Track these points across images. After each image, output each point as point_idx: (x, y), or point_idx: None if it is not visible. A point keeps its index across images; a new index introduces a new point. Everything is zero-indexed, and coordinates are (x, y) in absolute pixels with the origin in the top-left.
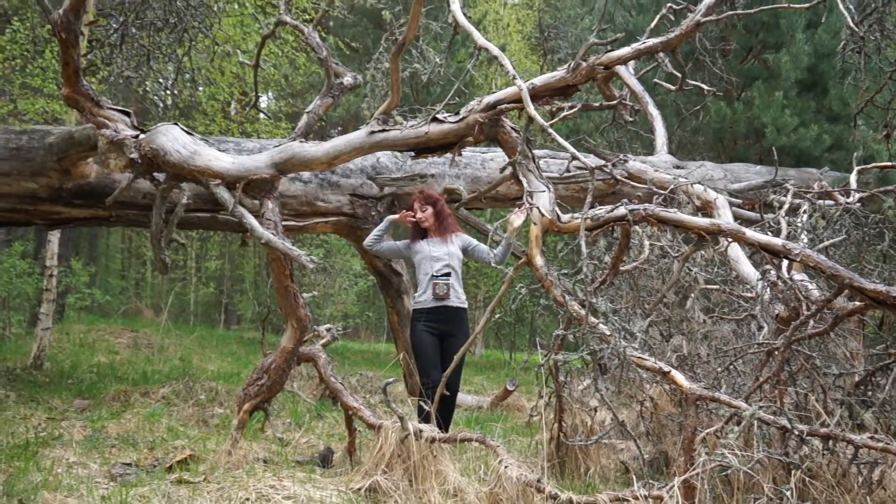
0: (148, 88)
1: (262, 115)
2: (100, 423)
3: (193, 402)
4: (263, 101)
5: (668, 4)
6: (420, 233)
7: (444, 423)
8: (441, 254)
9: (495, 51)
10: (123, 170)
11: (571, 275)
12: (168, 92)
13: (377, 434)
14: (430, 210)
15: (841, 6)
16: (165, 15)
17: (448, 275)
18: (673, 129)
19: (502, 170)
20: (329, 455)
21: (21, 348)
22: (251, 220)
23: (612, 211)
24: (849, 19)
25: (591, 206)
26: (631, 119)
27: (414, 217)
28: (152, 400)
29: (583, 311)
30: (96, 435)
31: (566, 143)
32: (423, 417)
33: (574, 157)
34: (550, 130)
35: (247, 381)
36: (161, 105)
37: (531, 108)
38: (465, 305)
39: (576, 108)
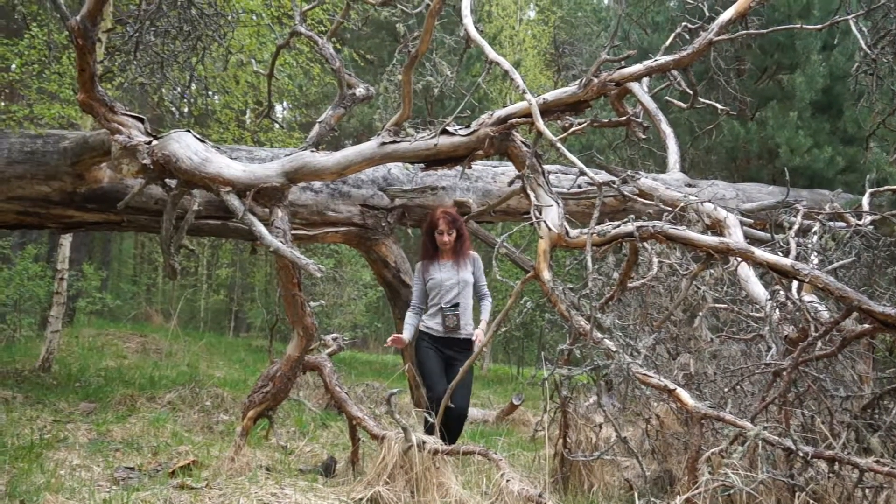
0: (163, 95)
1: (275, 125)
2: (105, 427)
3: (199, 408)
4: (278, 111)
5: (684, 23)
6: (433, 251)
7: (450, 440)
8: (452, 283)
9: (506, 65)
10: (136, 175)
11: (578, 289)
12: (183, 99)
13: (380, 444)
14: (453, 235)
15: (854, 28)
16: (180, 23)
17: (457, 305)
18: (686, 147)
19: (510, 183)
20: (332, 464)
21: (30, 350)
22: (260, 228)
23: (619, 227)
24: (862, 42)
25: (601, 223)
26: (643, 136)
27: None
28: (158, 405)
29: (588, 327)
30: (101, 438)
31: (575, 159)
32: (429, 430)
33: (582, 173)
34: (559, 145)
35: (252, 388)
36: (176, 112)
37: (540, 123)
38: (472, 335)
39: (585, 124)
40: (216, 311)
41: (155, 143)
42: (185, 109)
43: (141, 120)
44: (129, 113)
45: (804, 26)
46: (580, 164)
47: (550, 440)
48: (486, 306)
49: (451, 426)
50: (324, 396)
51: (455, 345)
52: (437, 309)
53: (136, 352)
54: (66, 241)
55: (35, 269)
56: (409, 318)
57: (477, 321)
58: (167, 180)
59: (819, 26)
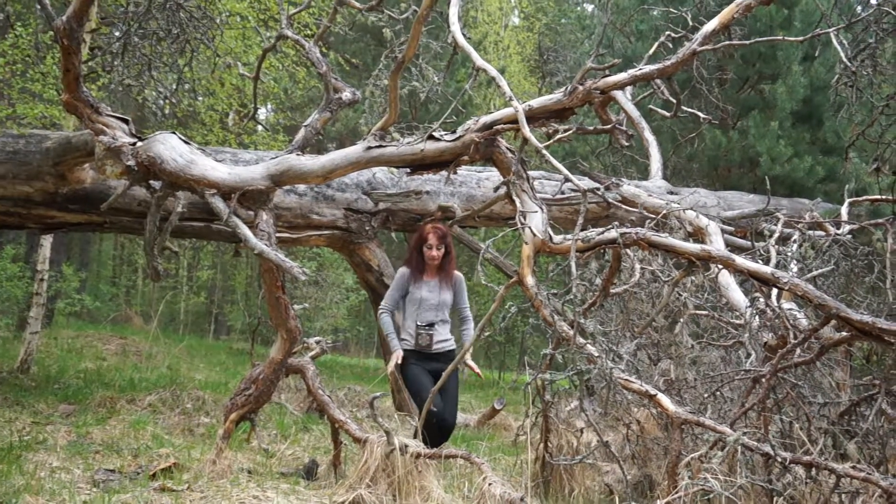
0: (147, 97)
1: (260, 127)
2: (84, 429)
3: (180, 410)
4: (262, 114)
5: (667, 33)
6: (420, 267)
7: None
8: (432, 303)
9: (493, 72)
10: (119, 176)
11: (561, 295)
12: (167, 101)
13: (362, 448)
14: (442, 250)
15: (835, 41)
16: (168, 25)
17: (432, 325)
18: (668, 155)
19: (496, 189)
20: (314, 467)
21: (8, 352)
22: (245, 231)
23: (603, 233)
24: (842, 54)
25: (584, 229)
26: (627, 144)
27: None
28: (138, 407)
29: (571, 332)
30: (80, 440)
31: (559, 165)
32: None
33: (567, 179)
34: (544, 152)
35: (234, 390)
36: (159, 114)
37: (526, 130)
38: (453, 347)
39: (570, 131)
40: (197, 314)
41: (140, 144)
42: (167, 111)
43: (125, 121)
44: (113, 114)
45: (786, 38)
46: (565, 171)
47: (532, 444)
48: (469, 331)
49: (440, 437)
50: (306, 399)
51: (439, 358)
52: (414, 328)
53: (115, 354)
54: (47, 241)
55: (13, 269)
56: (387, 322)
57: (458, 341)
58: (151, 182)
59: (800, 38)
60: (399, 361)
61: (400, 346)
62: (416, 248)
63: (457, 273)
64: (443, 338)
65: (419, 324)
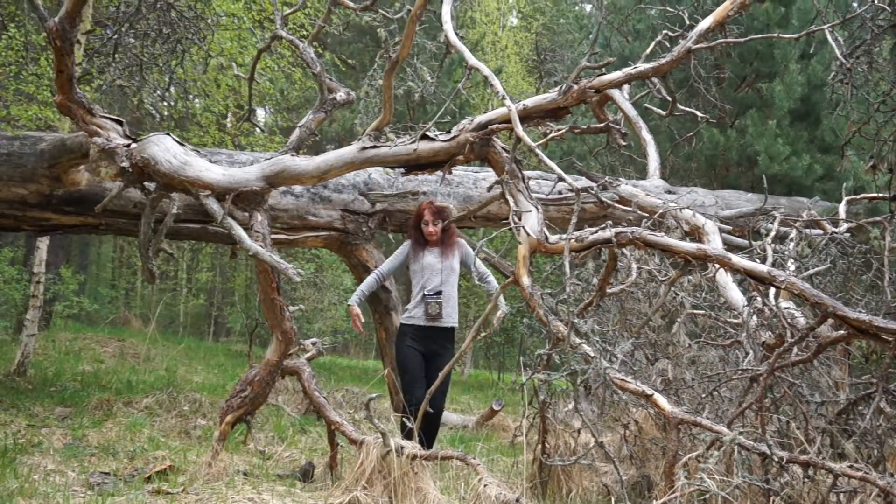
0: (144, 99)
1: (256, 129)
2: (80, 432)
3: (176, 412)
4: (260, 115)
5: (664, 31)
6: (422, 242)
7: (427, 441)
8: (437, 268)
9: (486, 71)
10: (114, 178)
11: (556, 294)
12: (164, 103)
13: (359, 450)
14: (440, 225)
15: (830, 38)
16: (159, 25)
17: (440, 293)
18: (666, 154)
19: (489, 188)
20: (310, 469)
21: (5, 354)
22: (240, 232)
23: (597, 233)
24: (837, 51)
25: (580, 229)
26: (624, 143)
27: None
28: (135, 410)
29: (566, 332)
30: (76, 443)
31: (553, 165)
32: (407, 434)
33: (560, 179)
34: (538, 151)
35: (230, 392)
36: (157, 116)
37: (519, 129)
38: (455, 325)
39: (564, 130)
40: (196, 316)
41: (134, 145)
42: (165, 112)
43: (120, 123)
44: (107, 115)
45: (781, 35)
46: (559, 170)
47: (529, 445)
48: (492, 282)
49: (428, 426)
50: (302, 401)
51: (439, 335)
52: (420, 297)
53: (113, 356)
54: (43, 243)
55: (11, 272)
56: (366, 281)
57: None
58: (146, 183)
59: (796, 36)
60: (357, 313)
61: (357, 298)
62: (415, 225)
63: (460, 240)
64: (449, 310)
65: (427, 292)
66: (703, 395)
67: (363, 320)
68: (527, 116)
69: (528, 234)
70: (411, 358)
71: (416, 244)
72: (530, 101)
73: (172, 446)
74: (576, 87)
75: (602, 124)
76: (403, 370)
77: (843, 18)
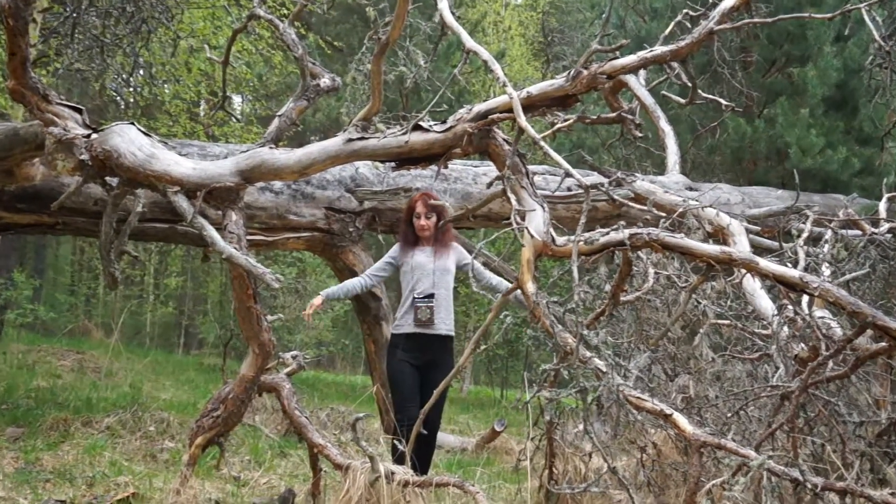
0: (106, 84)
1: (231, 118)
2: (34, 455)
3: (141, 433)
4: (235, 103)
5: (685, 10)
6: (412, 239)
7: (421, 465)
8: (429, 269)
9: (484, 54)
10: (72, 172)
11: (564, 302)
12: (129, 88)
13: (344, 475)
14: (433, 219)
15: (867, 18)
16: (122, 3)
17: (432, 296)
18: (687, 147)
19: (489, 185)
20: (290, 497)
21: None
22: (212, 233)
23: (609, 234)
24: (875, 33)
25: (592, 229)
26: (640, 135)
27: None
28: (95, 430)
29: (574, 344)
30: (29, 468)
31: (560, 158)
32: (398, 458)
33: (568, 174)
34: (542, 143)
35: (201, 411)
36: (121, 103)
37: (522, 119)
38: (452, 333)
39: (572, 120)
40: (164, 326)
41: (94, 136)
42: (130, 99)
43: (79, 110)
44: (65, 102)
45: (814, 15)
46: (566, 165)
47: (534, 471)
48: (497, 279)
49: (421, 448)
50: (282, 421)
51: (433, 345)
52: (410, 301)
53: (71, 370)
54: None
55: None
56: (349, 281)
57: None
58: (108, 178)
59: (829, 15)
60: (318, 303)
61: (334, 292)
62: (407, 219)
63: (454, 244)
64: (443, 316)
65: (416, 295)
66: (729, 415)
67: (320, 312)
68: (531, 105)
69: (533, 236)
70: (404, 372)
71: (406, 241)
72: (535, 89)
73: (136, 471)
74: (586, 72)
75: (615, 114)
76: (395, 386)
77: None
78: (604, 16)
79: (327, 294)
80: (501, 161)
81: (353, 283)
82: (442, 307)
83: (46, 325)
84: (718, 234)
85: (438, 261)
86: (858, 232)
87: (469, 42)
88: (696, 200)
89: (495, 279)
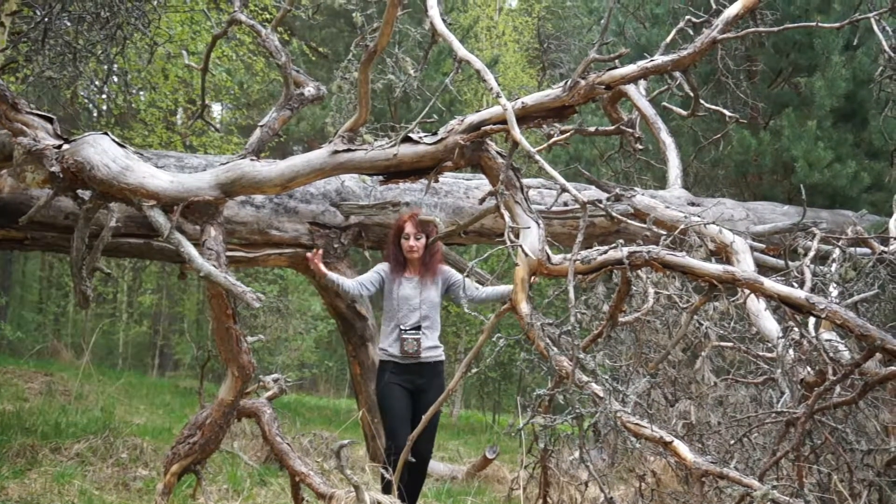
0: (78, 92)
1: (210, 128)
2: None
3: (113, 461)
4: (215, 112)
5: (687, 17)
6: (400, 261)
7: (410, 496)
8: (415, 304)
9: (477, 64)
10: (42, 185)
11: (560, 324)
12: (102, 96)
13: None
14: (423, 240)
15: (875, 27)
16: (97, 7)
17: (418, 328)
18: (689, 160)
19: (482, 201)
20: None
21: None
22: (189, 249)
23: (606, 253)
24: (884, 42)
25: (589, 247)
26: (640, 147)
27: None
28: (64, 457)
29: (570, 367)
30: None
31: (555, 173)
32: (385, 488)
33: (564, 189)
34: (537, 157)
35: (176, 438)
36: (95, 112)
37: (516, 131)
38: (442, 358)
39: (569, 132)
40: (138, 346)
41: (66, 147)
42: (104, 108)
43: (50, 120)
44: (35, 111)
45: (820, 24)
46: (561, 180)
47: (528, 500)
48: (484, 289)
49: (410, 478)
50: (262, 448)
51: (423, 370)
52: (396, 331)
53: (39, 394)
54: None
55: None
56: (345, 279)
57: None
58: (79, 191)
59: (837, 24)
60: (317, 261)
61: (332, 277)
62: (394, 240)
63: (442, 266)
64: (431, 344)
65: (403, 327)
66: (732, 442)
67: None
68: (526, 116)
69: (527, 254)
70: (394, 396)
71: (395, 264)
72: (530, 99)
73: (108, 501)
74: (583, 82)
75: (614, 125)
76: (385, 410)
77: (891, 5)
78: (602, 22)
79: (329, 275)
80: (495, 175)
81: (345, 282)
82: (429, 337)
83: (13, 346)
84: (721, 252)
85: (425, 292)
86: (867, 250)
87: (461, 51)
88: (699, 216)
89: (487, 290)
